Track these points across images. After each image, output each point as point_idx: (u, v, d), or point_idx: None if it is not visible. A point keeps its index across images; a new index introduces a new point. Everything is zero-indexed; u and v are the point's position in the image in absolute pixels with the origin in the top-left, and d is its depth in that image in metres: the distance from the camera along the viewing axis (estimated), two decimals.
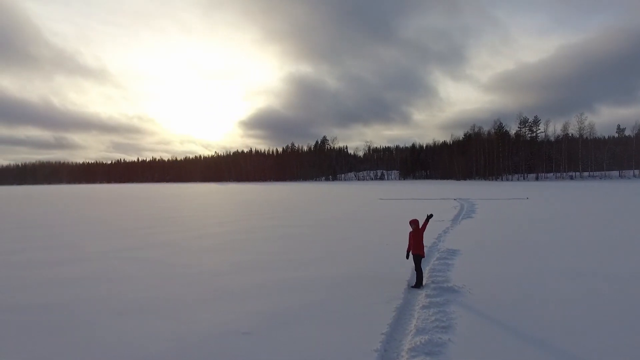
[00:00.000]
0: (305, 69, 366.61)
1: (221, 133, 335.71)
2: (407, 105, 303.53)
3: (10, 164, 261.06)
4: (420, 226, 7.65)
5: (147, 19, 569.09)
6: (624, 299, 6.67)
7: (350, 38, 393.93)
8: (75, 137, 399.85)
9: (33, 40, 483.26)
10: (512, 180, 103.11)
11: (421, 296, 6.95)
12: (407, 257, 7.68)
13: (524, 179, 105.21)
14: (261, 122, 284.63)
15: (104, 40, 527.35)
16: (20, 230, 17.55)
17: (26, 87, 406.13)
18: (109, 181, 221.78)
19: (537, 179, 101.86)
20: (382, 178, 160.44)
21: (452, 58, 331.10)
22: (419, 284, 7.47)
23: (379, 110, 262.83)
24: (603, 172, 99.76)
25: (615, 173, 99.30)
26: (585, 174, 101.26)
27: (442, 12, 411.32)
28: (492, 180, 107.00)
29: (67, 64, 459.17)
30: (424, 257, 7.69)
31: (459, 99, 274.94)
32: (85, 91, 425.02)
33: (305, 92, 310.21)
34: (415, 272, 7.67)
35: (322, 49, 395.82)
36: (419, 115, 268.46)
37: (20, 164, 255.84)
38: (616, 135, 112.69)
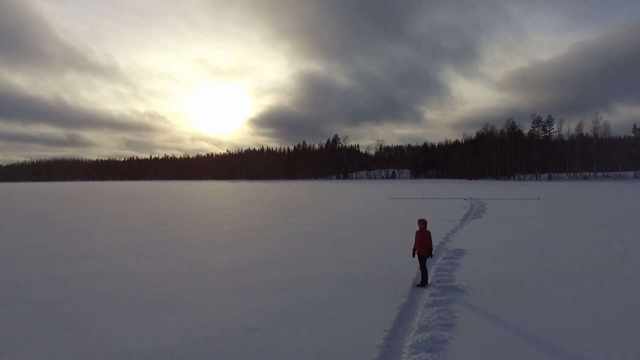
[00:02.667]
0: (315, 66, 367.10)
1: (232, 131, 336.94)
2: (418, 104, 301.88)
3: (25, 161, 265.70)
4: (425, 229, 7.74)
5: (157, 16, 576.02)
6: (630, 301, 6.67)
7: (360, 35, 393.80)
8: (88, 135, 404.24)
9: (45, 38, 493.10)
10: (524, 180, 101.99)
11: (425, 295, 7.04)
12: (413, 255, 7.78)
13: (536, 178, 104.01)
14: (272, 120, 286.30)
15: (113, 37, 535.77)
16: (35, 227, 18.02)
17: (38, 84, 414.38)
18: (121, 178, 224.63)
19: (550, 179, 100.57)
20: (393, 177, 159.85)
21: (464, 55, 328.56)
22: (424, 282, 7.57)
23: (390, 108, 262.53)
24: (618, 173, 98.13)
25: (630, 174, 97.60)
26: (600, 174, 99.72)
27: (453, 8, 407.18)
28: (504, 180, 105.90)
29: (78, 62, 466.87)
30: (429, 257, 7.77)
31: (471, 98, 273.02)
32: (96, 89, 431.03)
33: (315, 90, 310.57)
34: (420, 271, 7.77)
35: (332, 46, 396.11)
36: (430, 114, 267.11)
37: (35, 161, 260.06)
38: (632, 135, 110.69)
